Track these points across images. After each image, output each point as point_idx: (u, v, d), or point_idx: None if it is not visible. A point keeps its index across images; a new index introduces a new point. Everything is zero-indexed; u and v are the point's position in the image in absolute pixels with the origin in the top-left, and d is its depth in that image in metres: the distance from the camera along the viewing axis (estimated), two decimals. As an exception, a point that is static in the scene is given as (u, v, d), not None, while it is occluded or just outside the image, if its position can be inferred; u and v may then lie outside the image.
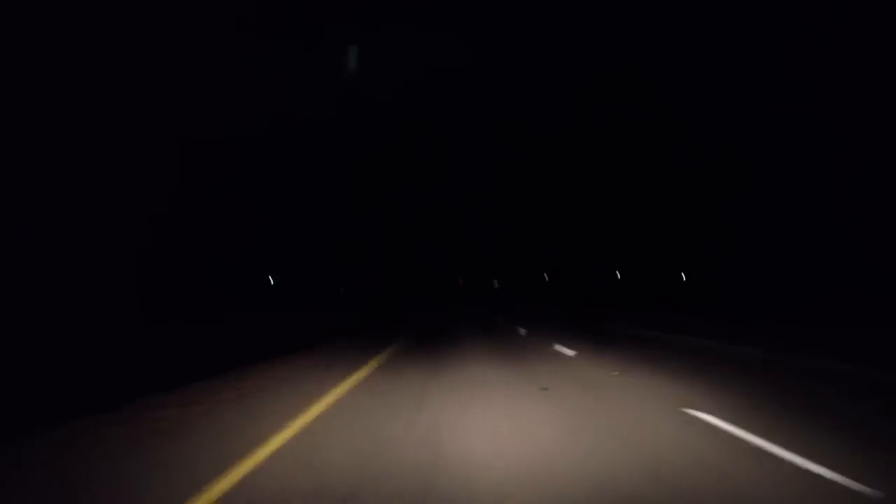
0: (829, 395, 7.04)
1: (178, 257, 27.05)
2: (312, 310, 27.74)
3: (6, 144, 21.28)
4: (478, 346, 15.02)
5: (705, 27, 29.60)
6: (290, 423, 5.91)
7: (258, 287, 32.35)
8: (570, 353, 12.42)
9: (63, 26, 22.80)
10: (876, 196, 21.26)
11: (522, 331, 19.67)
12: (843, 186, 22.70)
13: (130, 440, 5.43)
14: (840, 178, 22.87)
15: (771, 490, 3.75)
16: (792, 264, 24.73)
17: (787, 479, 3.94)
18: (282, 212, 30.52)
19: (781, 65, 25.04)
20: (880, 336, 12.04)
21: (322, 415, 6.38)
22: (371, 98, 28.44)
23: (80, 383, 8.41)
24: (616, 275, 46.95)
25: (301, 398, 7.18)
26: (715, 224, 30.08)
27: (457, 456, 4.57)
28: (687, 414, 5.98)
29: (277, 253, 32.78)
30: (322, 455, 4.81)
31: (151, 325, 21.25)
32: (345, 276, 49.00)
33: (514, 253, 71.78)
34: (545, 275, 65.06)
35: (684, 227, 33.34)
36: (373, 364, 10.84)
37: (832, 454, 4.38)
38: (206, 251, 27.60)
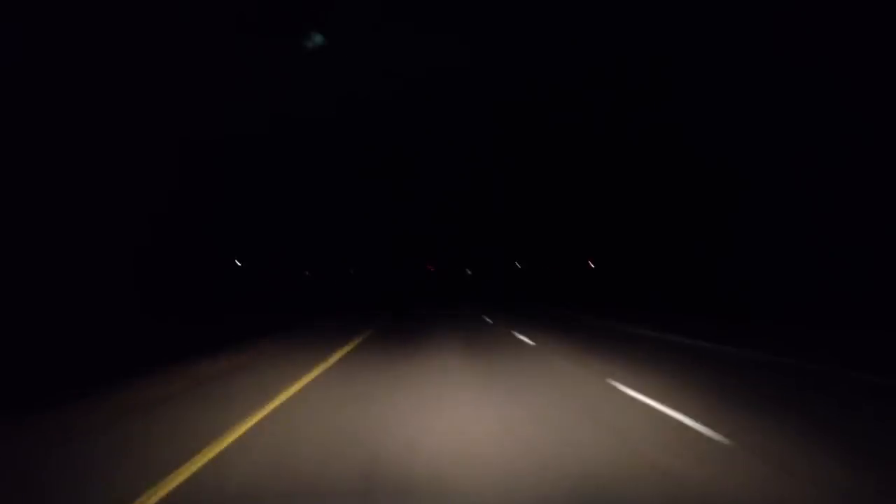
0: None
1: (178, 257, 27.05)
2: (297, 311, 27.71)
3: (7, 144, 21.28)
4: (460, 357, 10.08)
5: (703, 25, 29.61)
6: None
7: (256, 286, 32.35)
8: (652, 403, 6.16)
9: (63, 27, 22.79)
10: (876, 196, 21.26)
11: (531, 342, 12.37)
12: (843, 186, 22.70)
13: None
14: (840, 177, 22.87)
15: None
16: (792, 264, 24.73)
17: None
18: (281, 211, 30.53)
19: (783, 63, 25.03)
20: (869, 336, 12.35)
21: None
22: (371, 98, 28.48)
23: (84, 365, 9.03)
24: (613, 272, 46.96)
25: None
26: (716, 224, 30.07)
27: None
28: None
29: (275, 252, 32.78)
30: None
31: (150, 323, 21.25)
32: (341, 276, 49.10)
33: (514, 253, 71.76)
34: (545, 274, 65.04)
35: (685, 226, 33.33)
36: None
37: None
38: (205, 251, 27.60)
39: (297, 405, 6.28)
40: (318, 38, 24.78)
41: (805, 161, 24.39)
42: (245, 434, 4.99)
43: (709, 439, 4.71)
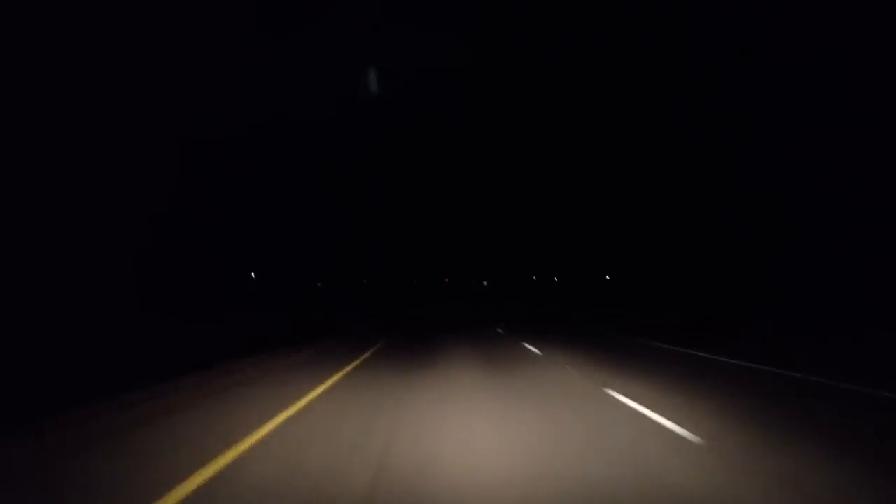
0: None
1: (178, 257, 27.09)
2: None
3: (8, 145, 21.53)
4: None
5: (706, 30, 29.11)
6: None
7: (255, 287, 32.32)
8: None
9: (65, 28, 23.11)
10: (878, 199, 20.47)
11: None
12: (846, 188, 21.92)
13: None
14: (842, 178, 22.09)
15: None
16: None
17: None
18: (281, 213, 30.51)
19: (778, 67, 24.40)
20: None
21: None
22: (370, 98, 28.42)
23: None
24: (634, 284, 45.87)
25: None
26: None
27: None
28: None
29: (275, 254, 32.75)
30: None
31: (150, 322, 21.17)
32: (352, 287, 49.04)
33: (520, 258, 70.70)
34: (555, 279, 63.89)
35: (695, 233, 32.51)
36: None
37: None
38: (205, 251, 27.60)
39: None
40: (374, 83, 25.32)
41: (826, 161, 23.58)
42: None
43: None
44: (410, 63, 28.29)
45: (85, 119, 24.51)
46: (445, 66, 28.26)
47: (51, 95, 23.28)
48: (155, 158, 26.38)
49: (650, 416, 5.61)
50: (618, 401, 6.47)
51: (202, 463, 4.11)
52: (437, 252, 70.19)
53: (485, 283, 78.81)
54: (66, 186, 24.30)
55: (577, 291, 54.37)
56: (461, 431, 5.09)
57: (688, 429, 5.07)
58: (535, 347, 13.12)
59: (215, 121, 26.73)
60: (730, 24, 27.70)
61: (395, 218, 52.73)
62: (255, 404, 6.49)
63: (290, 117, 27.83)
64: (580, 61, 33.41)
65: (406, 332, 19.26)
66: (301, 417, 5.76)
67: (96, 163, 25.06)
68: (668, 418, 5.46)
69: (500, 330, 19.64)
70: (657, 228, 37.89)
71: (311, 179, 32.53)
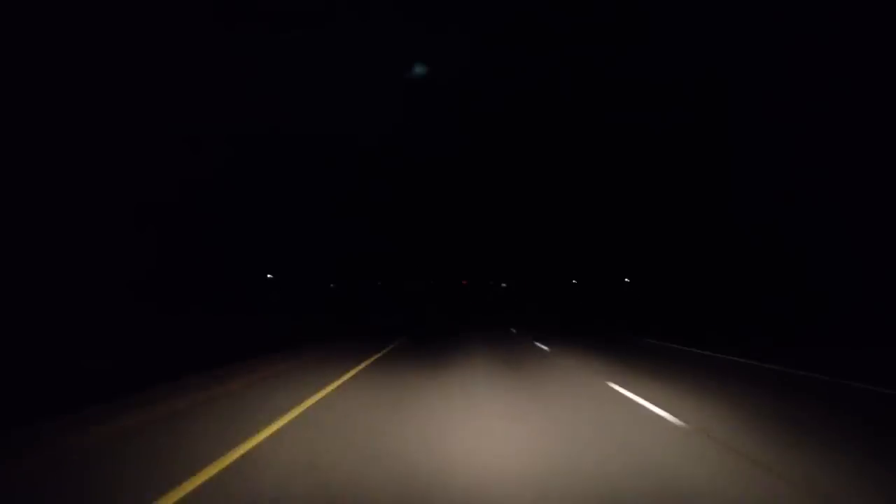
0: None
1: (178, 257, 27.04)
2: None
3: (9, 148, 21.57)
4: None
5: (710, 39, 28.19)
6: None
7: (258, 289, 32.19)
8: None
9: (62, 26, 23.14)
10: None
11: None
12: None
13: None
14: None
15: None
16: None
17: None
18: (285, 214, 30.36)
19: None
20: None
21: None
22: (371, 99, 28.14)
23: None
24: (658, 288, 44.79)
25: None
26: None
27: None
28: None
29: (277, 256, 32.62)
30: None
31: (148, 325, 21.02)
32: (366, 289, 48.68)
33: (538, 260, 69.59)
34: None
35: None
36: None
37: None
38: (206, 252, 27.50)
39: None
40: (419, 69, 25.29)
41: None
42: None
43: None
44: (410, 64, 27.89)
45: (88, 121, 24.50)
46: (446, 66, 27.78)
47: (59, 92, 23.29)
48: (157, 159, 26.36)
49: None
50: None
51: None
52: (455, 253, 69.33)
53: (503, 284, 77.84)
54: (64, 188, 24.29)
55: (601, 295, 53.26)
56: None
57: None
58: (625, 387, 8.22)
59: (218, 121, 26.67)
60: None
61: (411, 217, 52.15)
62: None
63: (292, 118, 27.60)
64: (595, 65, 32.70)
65: (426, 336, 19.31)
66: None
67: (98, 163, 25.04)
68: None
69: (543, 346, 15.65)
70: (678, 230, 37.06)
71: (324, 182, 32.27)
